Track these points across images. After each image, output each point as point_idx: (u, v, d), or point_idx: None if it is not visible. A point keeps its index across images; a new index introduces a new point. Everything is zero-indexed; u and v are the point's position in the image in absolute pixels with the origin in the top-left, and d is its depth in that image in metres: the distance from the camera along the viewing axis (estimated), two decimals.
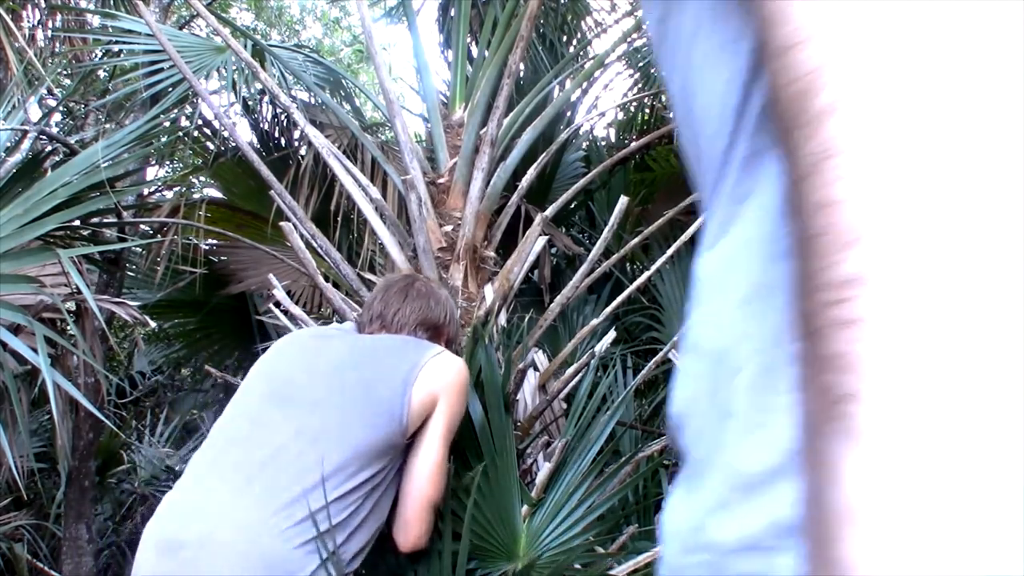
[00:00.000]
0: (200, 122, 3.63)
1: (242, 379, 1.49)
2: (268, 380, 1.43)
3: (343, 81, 3.86)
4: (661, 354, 2.12)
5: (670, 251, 2.28)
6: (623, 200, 2.04)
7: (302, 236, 2.21)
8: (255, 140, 3.79)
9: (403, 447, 1.42)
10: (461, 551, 1.51)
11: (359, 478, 1.32)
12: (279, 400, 1.37)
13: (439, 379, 1.43)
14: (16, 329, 2.13)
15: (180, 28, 4.75)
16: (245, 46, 3.26)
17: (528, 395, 2.15)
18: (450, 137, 2.47)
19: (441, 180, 2.36)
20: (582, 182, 2.68)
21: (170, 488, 1.37)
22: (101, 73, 4.34)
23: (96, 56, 4.13)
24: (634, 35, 3.26)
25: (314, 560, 1.23)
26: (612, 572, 1.68)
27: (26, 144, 2.64)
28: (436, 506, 1.45)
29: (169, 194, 3.88)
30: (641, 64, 3.40)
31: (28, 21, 3.85)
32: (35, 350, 1.98)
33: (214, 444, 1.35)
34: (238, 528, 1.22)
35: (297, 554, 1.22)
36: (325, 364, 1.43)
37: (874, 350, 0.23)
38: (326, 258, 2.21)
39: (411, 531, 1.43)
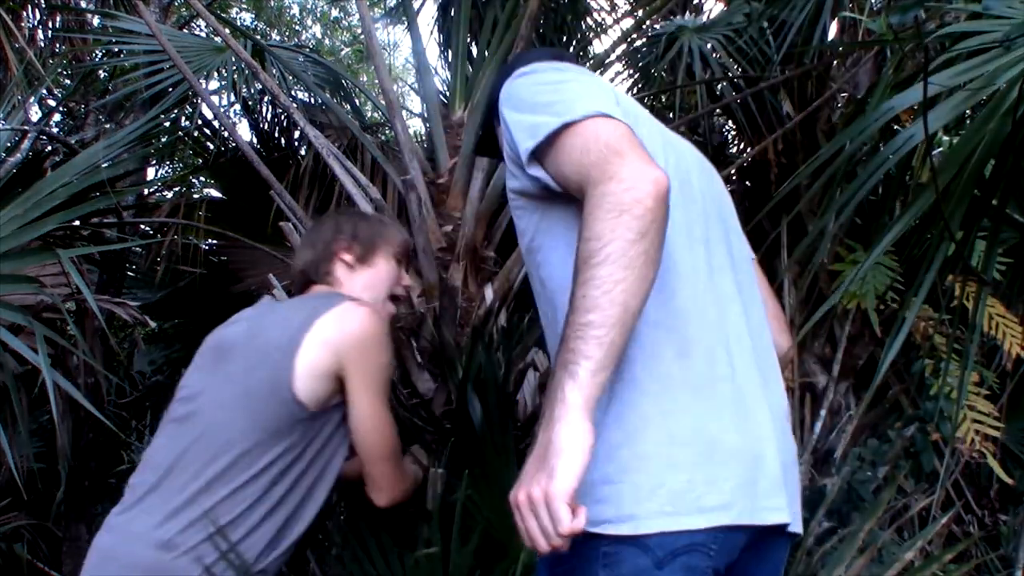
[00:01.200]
0: (200, 122, 3.63)
1: None
2: (181, 389, 1.43)
3: (343, 81, 3.85)
4: None
5: None
6: None
7: (302, 236, 2.21)
8: (255, 140, 3.79)
9: (322, 419, 1.35)
10: (462, 551, 1.51)
11: (254, 468, 1.29)
12: (188, 404, 1.38)
13: (334, 335, 1.33)
14: (16, 329, 2.13)
15: (180, 28, 4.75)
16: (245, 46, 3.26)
17: (528, 395, 2.15)
18: (450, 137, 2.47)
19: (441, 180, 2.36)
20: None
21: None
22: (101, 73, 4.34)
23: (96, 56, 4.13)
24: (634, 35, 3.25)
25: (197, 567, 1.22)
26: None
27: (26, 144, 2.64)
28: (392, 457, 1.41)
29: (169, 194, 3.88)
30: (641, 64, 3.40)
31: (28, 21, 3.85)
32: (35, 350, 1.98)
33: (143, 458, 1.38)
34: (127, 542, 1.26)
35: (181, 562, 1.22)
36: (216, 359, 1.41)
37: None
38: None
39: (378, 486, 1.40)
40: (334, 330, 1.34)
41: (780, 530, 0.99)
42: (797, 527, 1.02)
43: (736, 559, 0.95)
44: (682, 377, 0.96)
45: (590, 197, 0.88)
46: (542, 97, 1.02)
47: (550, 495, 0.81)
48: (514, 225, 1.13)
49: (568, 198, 0.98)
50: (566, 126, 0.95)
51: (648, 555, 0.89)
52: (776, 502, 0.97)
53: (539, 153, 0.98)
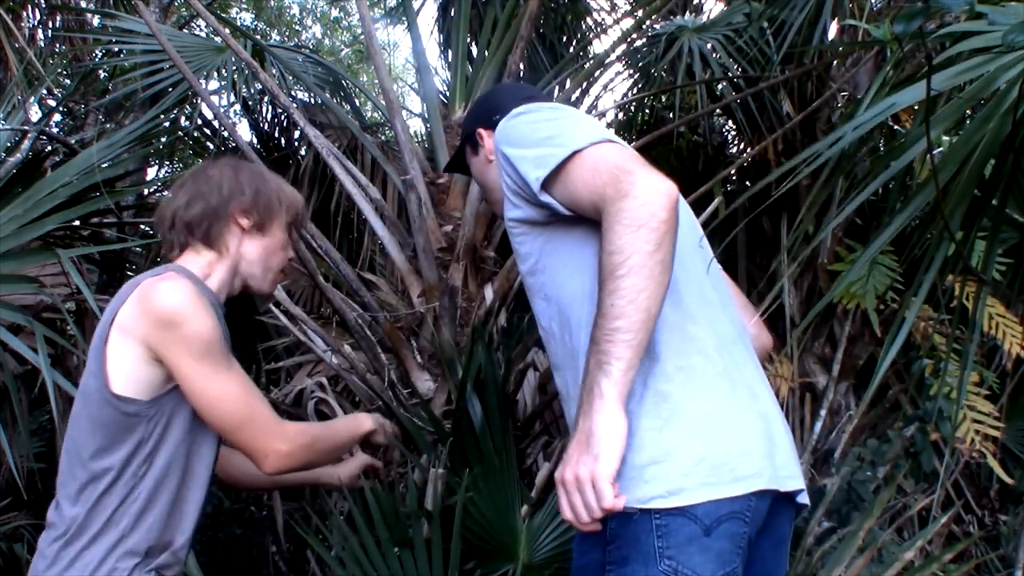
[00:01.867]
0: (200, 122, 3.63)
1: None
2: None
3: (343, 81, 3.85)
4: None
5: None
6: None
7: (302, 236, 2.21)
8: (255, 140, 3.79)
9: (166, 404, 1.25)
10: (459, 550, 1.52)
11: (90, 471, 1.23)
12: None
13: (131, 320, 1.22)
14: (16, 329, 2.13)
15: (180, 28, 4.75)
16: (245, 46, 3.26)
17: (528, 395, 2.16)
18: (450, 137, 2.47)
19: (441, 180, 2.36)
20: None
21: None
22: (101, 73, 4.34)
23: (96, 56, 4.13)
24: (634, 35, 3.25)
25: None
26: None
27: (26, 144, 2.63)
28: (246, 423, 1.26)
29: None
30: (641, 64, 3.40)
31: (28, 21, 3.85)
32: (35, 350, 1.98)
33: None
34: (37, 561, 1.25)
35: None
36: None
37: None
38: (326, 258, 2.21)
39: (252, 456, 1.28)
40: (130, 315, 1.22)
41: (788, 500, 1.12)
42: (805, 499, 1.15)
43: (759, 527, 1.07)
44: (703, 368, 1.08)
45: (608, 215, 1.00)
46: (542, 132, 1.14)
47: (596, 475, 0.95)
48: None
49: (570, 220, 1.12)
50: (574, 154, 1.07)
51: (697, 523, 0.99)
52: (791, 471, 1.11)
53: (547, 182, 1.09)
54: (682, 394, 1.05)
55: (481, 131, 1.43)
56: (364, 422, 1.53)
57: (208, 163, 1.43)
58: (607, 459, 0.95)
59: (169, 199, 1.40)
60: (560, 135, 1.11)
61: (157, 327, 1.20)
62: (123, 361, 1.22)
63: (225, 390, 1.25)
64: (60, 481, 1.27)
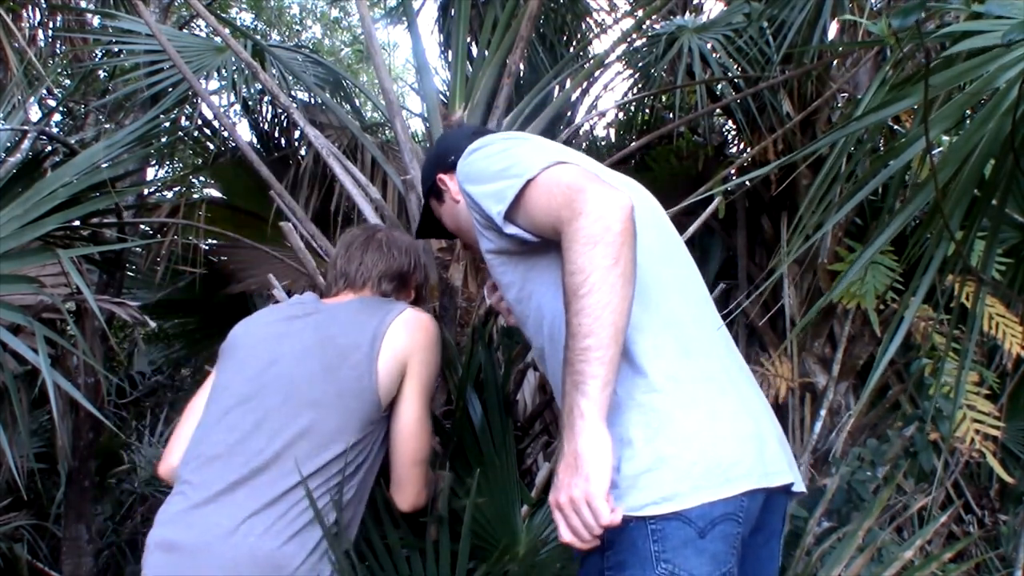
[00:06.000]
0: (200, 122, 3.63)
1: None
2: (239, 380, 1.42)
3: (343, 81, 3.85)
4: None
5: None
6: None
7: (302, 236, 2.21)
8: (255, 140, 3.79)
9: (383, 421, 1.43)
10: (461, 551, 1.52)
11: (338, 465, 1.35)
12: (252, 403, 1.38)
13: (405, 341, 1.42)
14: (16, 329, 2.13)
15: (180, 28, 4.75)
16: (245, 46, 3.26)
17: (528, 395, 2.16)
18: None
19: None
20: None
21: (170, 489, 1.39)
22: (101, 73, 4.34)
23: (96, 56, 4.12)
24: (634, 35, 3.26)
25: (303, 552, 1.28)
26: None
27: (26, 144, 2.63)
28: (424, 462, 1.46)
29: (169, 194, 3.88)
30: (641, 64, 3.40)
31: (28, 21, 3.84)
32: (35, 350, 1.98)
33: (199, 453, 1.37)
34: (224, 533, 1.26)
35: (289, 548, 1.27)
36: (290, 355, 1.42)
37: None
38: (326, 258, 2.21)
39: (405, 490, 1.45)
40: (407, 332, 1.42)
41: (782, 491, 1.15)
42: (800, 487, 1.18)
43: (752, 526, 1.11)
44: (688, 373, 1.10)
45: (565, 235, 1.03)
46: (497, 165, 1.18)
47: (590, 495, 0.97)
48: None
49: (543, 245, 1.15)
50: (529, 182, 1.10)
51: (691, 526, 1.01)
52: (780, 466, 1.13)
53: (510, 213, 1.13)
54: (670, 402, 1.07)
55: (442, 176, 1.46)
56: None
57: (389, 232, 1.68)
58: (597, 477, 0.97)
59: (371, 256, 1.62)
60: (514, 165, 1.14)
61: (424, 350, 1.48)
62: (386, 371, 1.42)
63: (428, 427, 1.49)
64: (269, 451, 1.36)
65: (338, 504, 1.34)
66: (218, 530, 1.25)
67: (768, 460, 1.10)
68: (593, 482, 0.97)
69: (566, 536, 1.01)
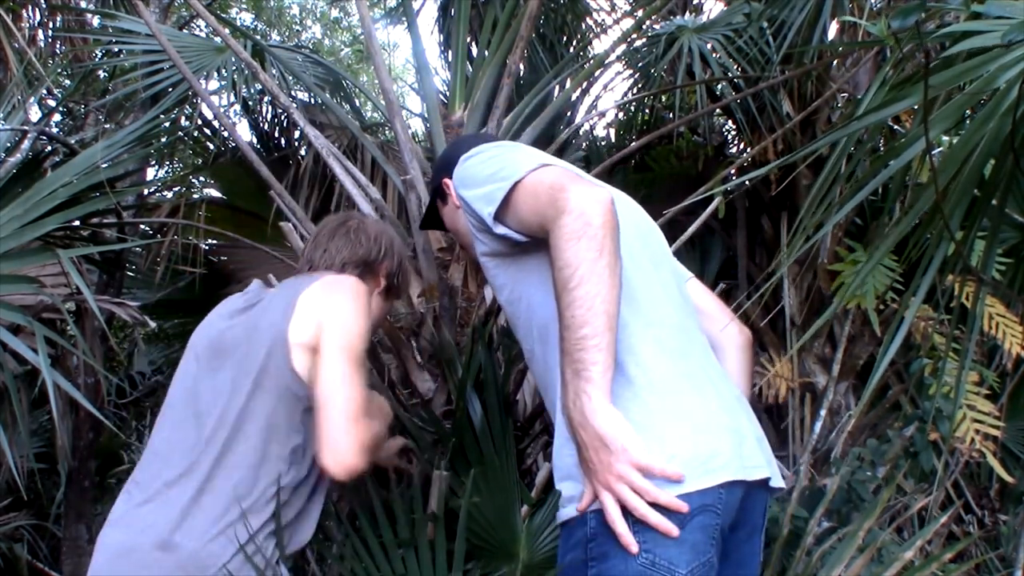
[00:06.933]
0: (200, 122, 3.63)
1: None
2: (187, 379, 1.43)
3: (343, 81, 3.85)
4: None
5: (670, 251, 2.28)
6: None
7: (302, 236, 2.21)
8: (255, 140, 3.79)
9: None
10: (457, 550, 1.51)
11: (277, 454, 1.32)
12: (192, 401, 1.39)
13: (318, 301, 1.36)
14: (16, 329, 2.13)
15: (180, 28, 4.75)
16: (245, 46, 3.25)
17: (528, 395, 2.15)
18: (450, 137, 2.47)
19: None
20: None
21: None
22: (101, 73, 4.34)
23: (96, 56, 4.12)
24: (634, 35, 3.25)
25: (231, 548, 1.26)
26: None
27: (26, 144, 2.64)
28: (354, 420, 1.30)
29: (169, 194, 3.88)
30: (641, 64, 3.40)
31: (28, 21, 3.84)
32: (35, 350, 1.98)
33: (148, 451, 1.38)
34: (155, 533, 1.25)
35: (215, 546, 1.25)
36: (223, 348, 1.41)
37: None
38: None
39: (330, 448, 1.28)
40: (319, 295, 1.37)
41: (762, 488, 1.20)
42: (778, 482, 1.22)
43: (731, 520, 1.14)
44: (666, 370, 1.15)
45: (552, 233, 1.09)
46: (487, 170, 1.25)
47: (635, 462, 1.02)
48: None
49: (533, 246, 1.21)
50: (516, 184, 1.17)
51: (671, 517, 1.04)
52: (758, 461, 1.17)
53: (499, 214, 1.20)
54: (649, 397, 1.11)
55: (446, 180, 1.50)
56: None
57: (363, 219, 1.64)
58: (633, 446, 1.02)
59: (336, 242, 1.58)
60: (502, 169, 1.22)
61: (335, 307, 1.38)
62: (300, 342, 1.36)
63: (353, 377, 1.36)
64: (199, 456, 1.34)
65: (277, 496, 1.31)
66: (151, 531, 1.25)
67: (746, 455, 1.14)
68: (632, 450, 1.01)
69: (618, 525, 1.02)
